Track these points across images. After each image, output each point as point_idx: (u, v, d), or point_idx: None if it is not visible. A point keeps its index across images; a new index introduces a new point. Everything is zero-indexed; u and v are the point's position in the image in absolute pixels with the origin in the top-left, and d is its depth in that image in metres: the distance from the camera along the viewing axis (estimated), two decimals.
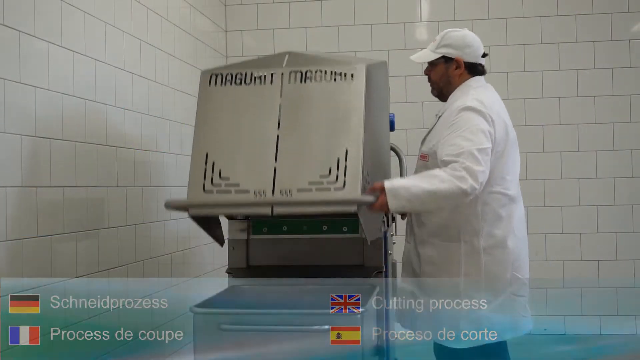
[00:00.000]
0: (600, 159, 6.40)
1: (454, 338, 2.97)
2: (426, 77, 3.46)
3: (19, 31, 2.99)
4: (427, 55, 3.33)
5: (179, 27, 4.81)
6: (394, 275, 3.89)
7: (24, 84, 3.01)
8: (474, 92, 3.21)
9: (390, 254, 3.75)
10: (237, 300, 3.37)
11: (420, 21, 6.62)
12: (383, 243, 3.39)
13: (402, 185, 2.92)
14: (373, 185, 2.94)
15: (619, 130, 6.39)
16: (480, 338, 2.95)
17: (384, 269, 3.38)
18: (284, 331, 2.84)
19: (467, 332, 2.94)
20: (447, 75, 3.29)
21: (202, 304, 3.03)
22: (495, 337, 3.00)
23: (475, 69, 3.31)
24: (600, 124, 6.40)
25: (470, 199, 2.99)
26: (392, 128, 3.82)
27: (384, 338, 3.39)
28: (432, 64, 3.32)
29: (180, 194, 4.74)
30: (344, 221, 3.39)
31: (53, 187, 3.22)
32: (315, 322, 2.81)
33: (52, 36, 3.24)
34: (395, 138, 4.31)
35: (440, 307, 2.99)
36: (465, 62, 3.28)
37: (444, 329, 2.99)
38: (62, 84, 3.31)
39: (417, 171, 3.29)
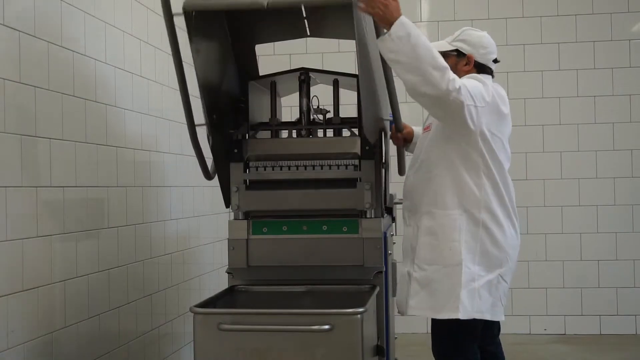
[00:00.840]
0: (600, 159, 6.40)
1: (455, 308, 3.15)
2: None
3: (19, 31, 2.99)
4: (442, 45, 3.42)
5: (178, 27, 4.80)
6: (394, 275, 3.89)
7: (24, 84, 3.01)
8: (480, 76, 3.31)
9: (390, 254, 3.75)
10: (237, 300, 3.37)
11: (420, 21, 6.62)
12: (383, 243, 3.39)
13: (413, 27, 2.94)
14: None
15: (619, 130, 6.39)
16: (472, 310, 3.17)
17: (384, 269, 3.38)
18: (284, 331, 2.84)
19: (466, 303, 3.14)
20: (455, 69, 3.29)
21: (202, 304, 3.03)
22: (482, 315, 3.20)
23: (483, 70, 3.41)
24: (600, 124, 6.41)
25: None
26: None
27: (384, 338, 3.40)
28: (445, 55, 3.29)
29: (180, 193, 4.75)
30: (344, 221, 3.40)
31: (53, 187, 3.22)
32: (315, 322, 2.81)
33: (52, 36, 3.24)
34: None
35: (439, 278, 3.22)
36: (475, 61, 3.40)
37: (444, 300, 3.20)
38: (62, 84, 3.31)
39: (419, 142, 3.51)
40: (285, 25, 3.60)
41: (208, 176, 3.51)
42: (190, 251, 4.94)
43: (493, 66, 3.47)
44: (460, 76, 3.19)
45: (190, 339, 4.58)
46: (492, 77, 3.46)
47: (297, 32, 3.68)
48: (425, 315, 3.38)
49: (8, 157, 2.90)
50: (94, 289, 3.56)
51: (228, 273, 3.45)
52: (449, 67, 2.98)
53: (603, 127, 6.41)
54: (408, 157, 3.73)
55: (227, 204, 3.45)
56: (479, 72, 3.37)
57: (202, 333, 2.87)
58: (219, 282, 5.05)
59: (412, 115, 6.28)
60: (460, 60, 3.40)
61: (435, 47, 3.20)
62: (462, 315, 3.15)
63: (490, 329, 3.49)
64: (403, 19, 2.91)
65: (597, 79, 6.41)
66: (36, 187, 3.09)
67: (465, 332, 3.27)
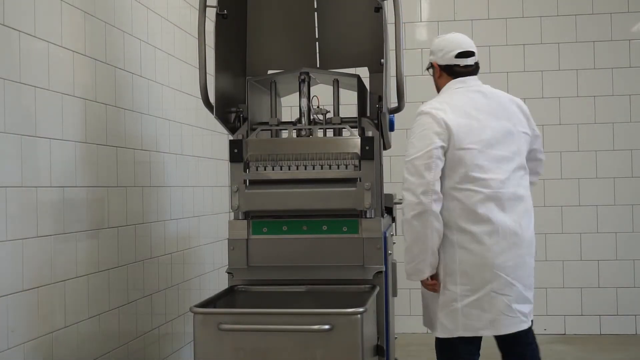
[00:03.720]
0: (600, 159, 6.40)
1: (433, 327, 3.33)
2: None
3: (19, 31, 2.99)
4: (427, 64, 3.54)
5: (179, 27, 4.82)
6: (394, 275, 3.89)
7: (24, 84, 3.01)
8: (442, 95, 3.35)
9: (390, 254, 3.75)
10: (237, 300, 3.37)
11: (420, 21, 6.62)
12: (383, 243, 3.39)
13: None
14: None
15: (619, 130, 6.39)
16: (453, 328, 3.22)
17: (384, 269, 3.38)
18: (284, 331, 2.85)
19: (444, 323, 3.23)
20: (434, 80, 3.45)
21: (202, 304, 3.03)
22: (470, 332, 3.23)
23: (452, 70, 3.37)
24: (600, 124, 6.40)
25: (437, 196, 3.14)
26: (392, 128, 3.83)
27: (384, 338, 3.40)
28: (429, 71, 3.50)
29: (180, 193, 4.75)
30: (344, 221, 3.40)
31: (53, 187, 3.22)
32: (315, 322, 2.81)
33: (52, 36, 3.24)
34: (395, 138, 4.31)
35: (426, 297, 3.39)
36: (439, 65, 3.39)
37: (429, 318, 3.40)
38: (62, 84, 3.31)
39: None
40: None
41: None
42: (190, 251, 4.94)
43: (461, 61, 3.35)
44: (438, 86, 3.41)
45: (190, 339, 4.58)
46: (469, 73, 3.37)
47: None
48: (426, 327, 3.49)
49: (8, 157, 2.90)
50: (94, 289, 3.55)
51: (228, 273, 3.45)
52: (404, 206, 3.18)
53: (603, 127, 6.40)
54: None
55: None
56: (449, 75, 3.36)
57: (202, 333, 2.87)
58: (219, 282, 5.05)
59: (412, 115, 6.30)
60: (434, 73, 3.45)
61: (425, 68, 3.51)
62: (441, 334, 3.25)
63: (507, 338, 3.35)
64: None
65: (597, 79, 6.41)
66: (36, 187, 3.09)
67: (450, 349, 3.31)
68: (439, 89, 3.44)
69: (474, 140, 3.19)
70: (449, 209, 3.18)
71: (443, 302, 3.22)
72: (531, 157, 3.44)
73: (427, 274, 3.22)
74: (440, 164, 3.15)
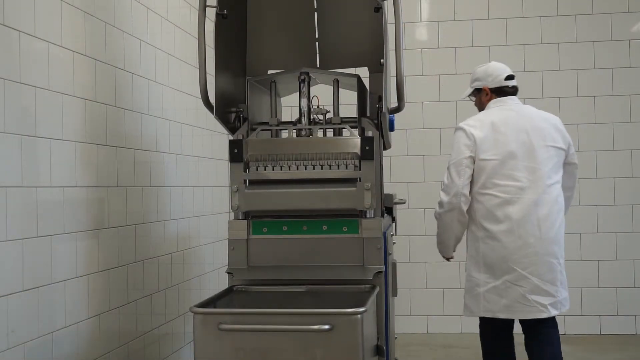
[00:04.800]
0: (600, 159, 6.40)
1: (463, 308, 3.96)
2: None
3: (19, 31, 2.99)
4: (467, 90, 4.16)
5: (179, 27, 4.82)
6: (394, 275, 3.89)
7: (24, 84, 3.01)
8: (480, 113, 4.00)
9: (390, 254, 3.75)
10: (237, 300, 3.37)
11: (420, 21, 6.62)
12: (383, 243, 3.39)
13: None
14: None
15: (619, 130, 6.39)
16: (477, 310, 3.86)
17: (384, 269, 3.38)
18: (284, 331, 2.85)
19: (469, 305, 3.89)
20: (480, 101, 4.08)
21: (202, 304, 3.03)
22: (489, 313, 3.83)
23: (501, 91, 4.01)
24: (600, 124, 6.41)
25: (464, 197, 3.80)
26: (392, 128, 3.83)
27: (384, 338, 3.40)
28: (473, 96, 4.13)
29: (180, 193, 4.75)
30: (344, 221, 3.40)
31: (53, 187, 3.22)
32: (315, 322, 2.81)
33: (52, 36, 3.24)
34: (395, 138, 4.31)
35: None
36: (490, 89, 4.01)
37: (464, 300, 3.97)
38: (62, 84, 3.31)
39: None
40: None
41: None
42: (190, 251, 4.94)
43: (509, 82, 4.00)
44: (484, 106, 4.02)
45: (190, 339, 4.58)
46: (515, 94, 4.03)
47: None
48: None
49: (8, 157, 2.90)
50: (94, 289, 3.56)
51: (228, 273, 3.45)
52: (439, 204, 3.86)
53: (603, 127, 6.41)
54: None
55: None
56: (498, 96, 3.99)
57: (202, 333, 2.87)
58: (219, 282, 5.05)
59: (412, 115, 6.30)
60: (481, 95, 4.05)
61: (463, 95, 4.17)
62: (466, 314, 3.92)
63: (526, 322, 3.90)
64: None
65: (597, 79, 6.41)
66: (36, 187, 3.09)
67: (483, 326, 4.01)
68: (482, 110, 4.04)
69: (496, 152, 3.79)
70: (474, 209, 3.83)
71: (468, 287, 3.87)
72: (565, 170, 3.97)
73: (451, 252, 4.02)
74: (469, 171, 3.80)
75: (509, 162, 3.77)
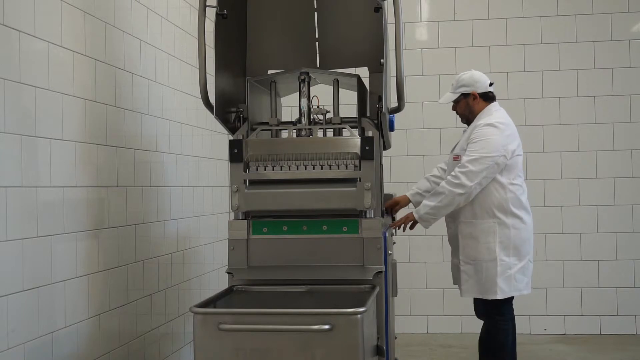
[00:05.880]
0: (600, 159, 6.40)
1: (489, 293, 4.20)
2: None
3: (19, 31, 2.99)
4: (450, 96, 4.40)
5: (179, 27, 4.82)
6: (394, 275, 3.89)
7: (24, 84, 3.01)
8: (496, 114, 4.29)
9: (390, 254, 3.75)
10: (237, 300, 3.37)
11: (420, 21, 6.62)
12: (383, 243, 3.39)
13: (426, 211, 4.11)
14: (406, 216, 4.16)
15: (619, 130, 6.39)
16: (509, 291, 4.20)
17: (384, 269, 3.38)
18: (284, 331, 2.85)
19: (502, 287, 4.17)
20: (468, 106, 4.34)
21: (202, 304, 3.03)
22: (516, 292, 4.23)
23: (487, 96, 4.36)
24: (600, 124, 6.40)
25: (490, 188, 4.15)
26: (392, 128, 3.83)
27: (384, 338, 3.40)
28: (455, 102, 4.39)
29: (180, 193, 4.76)
30: (344, 221, 3.40)
31: (53, 187, 3.22)
32: (315, 322, 2.81)
33: (52, 36, 3.24)
34: (395, 138, 4.31)
35: (481, 270, 4.20)
36: (478, 93, 4.32)
37: (484, 289, 4.20)
38: (62, 84, 3.31)
39: (448, 168, 4.35)
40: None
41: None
42: (190, 251, 4.94)
43: (491, 89, 4.37)
44: (475, 109, 4.32)
45: (190, 339, 4.58)
46: (495, 98, 4.37)
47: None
48: (475, 297, 4.31)
49: (8, 157, 2.90)
50: (94, 289, 3.56)
51: (228, 273, 3.45)
52: (457, 185, 4.05)
53: (603, 127, 6.41)
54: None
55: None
56: (484, 101, 4.32)
57: (202, 333, 2.87)
58: (219, 282, 5.05)
59: (412, 116, 6.30)
60: (469, 99, 4.33)
61: (446, 100, 4.41)
62: (500, 296, 4.18)
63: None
64: (419, 214, 4.13)
65: (597, 79, 6.41)
66: (36, 187, 3.09)
67: (506, 303, 4.29)
68: (473, 112, 4.32)
69: (521, 149, 4.29)
70: (505, 199, 4.19)
71: (500, 271, 4.16)
72: None
73: (431, 224, 4.21)
74: (497, 167, 4.12)
75: (520, 157, 4.32)
